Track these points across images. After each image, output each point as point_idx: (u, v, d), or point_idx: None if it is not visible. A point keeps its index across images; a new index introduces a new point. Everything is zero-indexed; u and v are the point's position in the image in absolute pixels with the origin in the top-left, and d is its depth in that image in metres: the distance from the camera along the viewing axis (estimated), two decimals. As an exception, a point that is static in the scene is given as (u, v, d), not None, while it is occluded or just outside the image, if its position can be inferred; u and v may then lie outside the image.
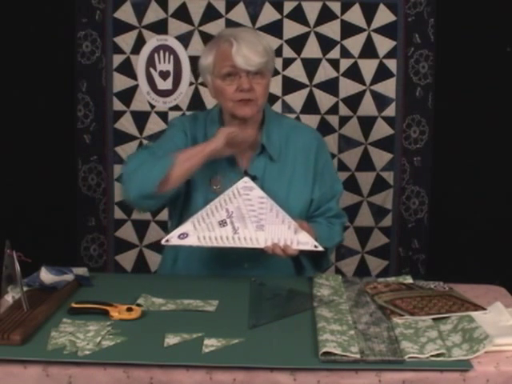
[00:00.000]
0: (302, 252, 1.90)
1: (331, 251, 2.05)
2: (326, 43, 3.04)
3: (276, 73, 3.02)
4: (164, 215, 2.91)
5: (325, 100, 3.07)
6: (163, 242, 1.87)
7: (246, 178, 1.91)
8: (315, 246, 1.87)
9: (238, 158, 2.02)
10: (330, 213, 2.10)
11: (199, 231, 1.86)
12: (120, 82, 3.09)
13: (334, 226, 2.09)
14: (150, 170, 1.87)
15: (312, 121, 3.06)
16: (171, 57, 3.08)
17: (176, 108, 3.10)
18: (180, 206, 2.04)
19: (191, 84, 3.07)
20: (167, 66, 3.09)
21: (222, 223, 1.87)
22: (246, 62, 1.90)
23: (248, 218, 1.87)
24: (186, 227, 1.87)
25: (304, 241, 1.86)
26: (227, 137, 1.90)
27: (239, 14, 3.03)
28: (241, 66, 1.91)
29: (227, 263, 1.98)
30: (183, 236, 1.86)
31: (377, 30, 3.03)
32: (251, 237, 1.86)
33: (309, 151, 2.06)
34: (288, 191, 2.02)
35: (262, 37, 2.03)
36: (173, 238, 1.86)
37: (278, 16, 3.04)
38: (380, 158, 3.11)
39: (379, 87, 3.06)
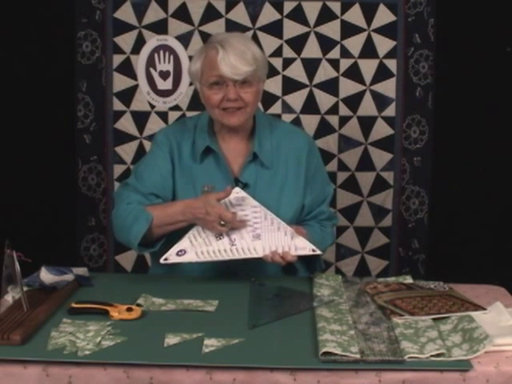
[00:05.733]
0: (298, 257, 1.87)
1: (323, 253, 2.05)
2: (325, 43, 3.04)
3: (276, 73, 3.02)
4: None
5: (325, 100, 3.07)
6: (162, 260, 1.84)
7: (237, 189, 1.88)
8: (313, 250, 1.85)
9: (229, 166, 2.00)
10: (321, 216, 2.09)
11: (196, 247, 1.84)
12: (120, 82, 3.09)
13: (326, 229, 2.09)
14: (129, 230, 1.88)
15: (312, 121, 3.06)
16: (171, 57, 3.08)
17: (176, 108, 3.10)
18: None
19: (191, 84, 3.05)
20: (167, 65, 3.09)
21: (219, 236, 1.85)
22: (232, 71, 1.85)
23: (243, 228, 1.85)
24: (183, 244, 1.85)
25: (301, 246, 1.85)
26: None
27: (239, 13, 3.03)
28: (227, 75, 1.85)
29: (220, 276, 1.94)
30: (181, 253, 1.84)
31: (377, 30, 3.03)
32: (249, 247, 1.84)
33: (300, 155, 2.04)
34: (279, 198, 1.99)
35: (252, 44, 1.95)
36: (171, 256, 1.84)
37: (278, 16, 3.04)
38: (380, 158, 3.11)
39: (379, 87, 3.06)
